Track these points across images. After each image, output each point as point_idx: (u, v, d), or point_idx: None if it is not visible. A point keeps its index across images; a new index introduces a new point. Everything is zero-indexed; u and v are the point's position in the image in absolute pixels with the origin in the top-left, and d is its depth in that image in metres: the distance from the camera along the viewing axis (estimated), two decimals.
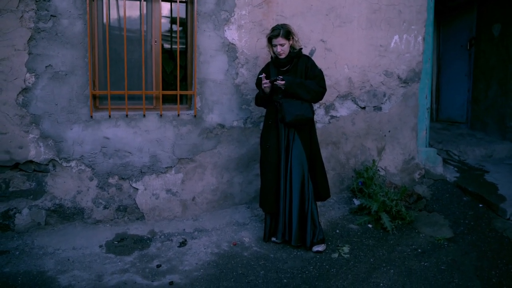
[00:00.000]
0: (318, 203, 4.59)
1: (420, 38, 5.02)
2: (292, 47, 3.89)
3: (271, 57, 3.99)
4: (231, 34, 4.45)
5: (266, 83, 3.79)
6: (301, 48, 3.98)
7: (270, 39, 3.87)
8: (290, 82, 3.78)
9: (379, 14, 4.85)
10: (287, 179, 3.88)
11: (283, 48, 3.81)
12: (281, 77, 3.76)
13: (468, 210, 4.49)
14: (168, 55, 4.78)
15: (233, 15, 4.43)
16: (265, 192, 3.96)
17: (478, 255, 3.76)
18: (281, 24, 3.90)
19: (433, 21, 5.15)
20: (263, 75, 3.81)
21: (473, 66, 6.88)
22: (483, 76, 6.60)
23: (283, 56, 3.86)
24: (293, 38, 3.86)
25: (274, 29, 3.85)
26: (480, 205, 4.53)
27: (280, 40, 3.78)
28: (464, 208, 4.54)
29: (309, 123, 3.94)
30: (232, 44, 4.46)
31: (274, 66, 3.98)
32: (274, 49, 3.86)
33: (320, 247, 3.90)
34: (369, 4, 4.81)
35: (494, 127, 6.32)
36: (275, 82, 3.78)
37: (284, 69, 3.94)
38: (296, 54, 3.91)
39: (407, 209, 4.57)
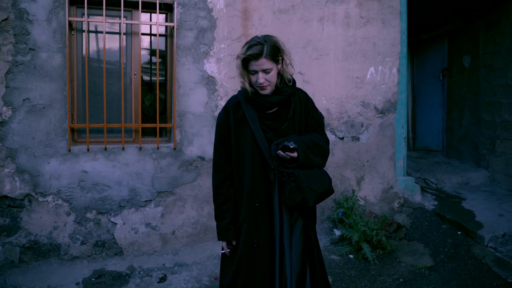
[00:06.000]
0: None
1: (394, 70, 5.16)
2: (280, 73, 2.31)
3: (245, 91, 2.33)
4: (210, 67, 4.50)
5: (282, 153, 2.25)
6: (294, 80, 2.41)
7: (245, 62, 2.23)
8: (304, 150, 2.28)
9: (354, 46, 4.99)
10: None
11: (268, 76, 2.23)
12: (291, 143, 2.21)
13: (448, 238, 4.53)
14: (147, 87, 4.79)
15: (212, 48, 4.49)
16: None
17: (459, 283, 3.78)
18: (264, 36, 2.27)
19: (407, 53, 5.31)
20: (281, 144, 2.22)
21: (446, 96, 7.09)
22: (456, 105, 6.79)
23: (268, 91, 2.28)
24: (283, 59, 2.29)
25: (251, 44, 2.22)
26: (459, 233, 4.58)
27: (264, 62, 2.19)
28: (444, 236, 4.58)
29: None
30: (211, 77, 4.51)
31: (253, 107, 2.35)
32: (253, 78, 2.25)
33: None
34: (344, 37, 4.94)
35: (469, 155, 6.47)
36: (279, 153, 2.26)
37: (270, 111, 2.38)
38: (292, 90, 2.36)
39: (388, 238, 4.59)
